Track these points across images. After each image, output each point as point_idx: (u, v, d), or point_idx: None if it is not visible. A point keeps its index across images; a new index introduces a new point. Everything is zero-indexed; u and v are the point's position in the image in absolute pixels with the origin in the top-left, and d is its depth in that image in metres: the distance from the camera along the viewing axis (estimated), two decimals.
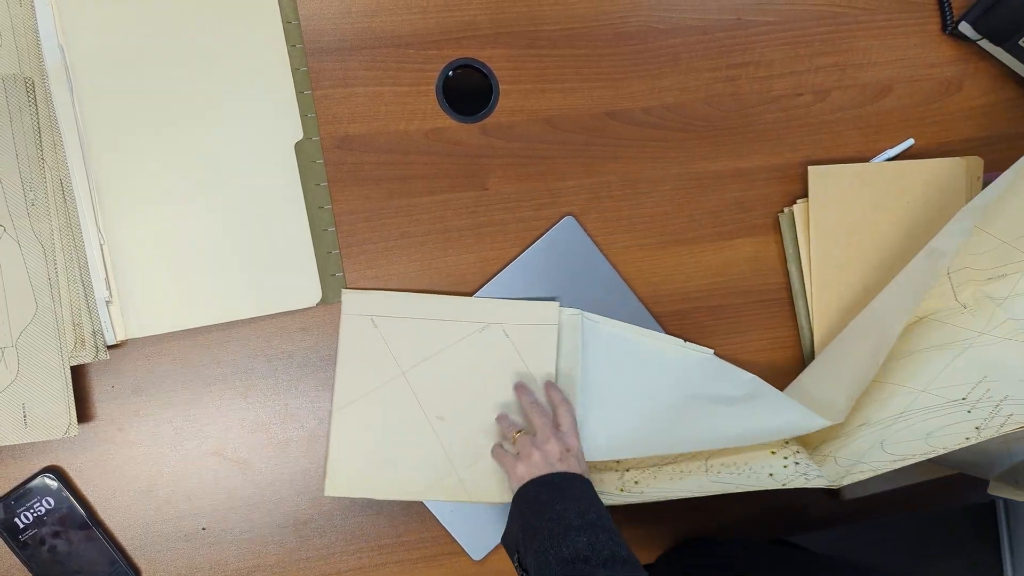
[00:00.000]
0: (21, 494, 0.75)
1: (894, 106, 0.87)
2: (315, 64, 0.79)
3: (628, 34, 0.84)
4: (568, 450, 0.72)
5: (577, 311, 0.81)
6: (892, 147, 0.87)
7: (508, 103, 0.82)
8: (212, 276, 0.77)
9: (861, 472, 0.74)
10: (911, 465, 0.73)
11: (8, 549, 0.75)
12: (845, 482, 0.74)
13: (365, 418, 0.78)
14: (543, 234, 0.82)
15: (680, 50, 0.84)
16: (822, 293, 0.84)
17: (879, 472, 0.73)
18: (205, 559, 0.79)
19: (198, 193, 0.77)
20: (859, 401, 0.75)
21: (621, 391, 0.81)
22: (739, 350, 0.86)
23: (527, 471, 0.71)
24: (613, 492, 0.78)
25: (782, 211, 0.86)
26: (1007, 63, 0.87)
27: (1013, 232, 0.74)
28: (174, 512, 0.79)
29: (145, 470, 0.78)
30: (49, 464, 0.77)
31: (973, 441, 0.71)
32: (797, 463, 0.76)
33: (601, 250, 0.83)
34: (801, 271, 0.85)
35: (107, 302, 0.74)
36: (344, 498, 0.80)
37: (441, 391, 0.79)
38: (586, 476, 0.71)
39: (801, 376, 0.84)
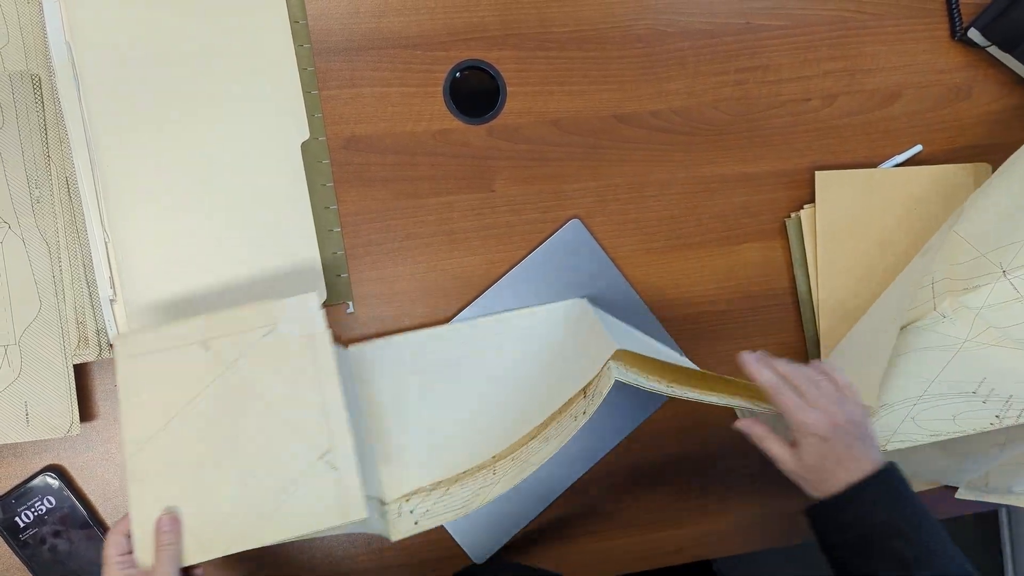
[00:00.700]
0: (22, 493, 0.75)
1: (902, 112, 0.87)
2: (322, 64, 0.79)
3: (637, 37, 0.83)
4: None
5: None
6: (900, 153, 0.86)
7: (515, 105, 0.82)
8: (216, 275, 0.76)
9: (901, 442, 0.73)
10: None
11: (8, 548, 0.74)
12: (890, 447, 0.73)
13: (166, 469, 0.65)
14: (549, 236, 0.82)
15: (688, 54, 0.84)
16: (829, 298, 0.84)
17: (918, 444, 0.73)
18: None
19: (203, 192, 0.76)
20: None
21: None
22: None
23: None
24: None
25: (789, 216, 0.85)
26: (1016, 70, 0.87)
27: (987, 244, 0.74)
28: None
29: None
30: (50, 463, 0.76)
31: (997, 426, 0.72)
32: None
33: (607, 253, 0.83)
34: (808, 276, 0.85)
35: (111, 300, 0.74)
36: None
37: (224, 422, 0.66)
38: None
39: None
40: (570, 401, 0.73)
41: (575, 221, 0.82)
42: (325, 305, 0.78)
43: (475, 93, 0.82)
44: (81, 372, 0.76)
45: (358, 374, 0.77)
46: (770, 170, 0.86)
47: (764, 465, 0.70)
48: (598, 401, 0.66)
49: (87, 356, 0.73)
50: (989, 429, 0.72)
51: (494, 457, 0.76)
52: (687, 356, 0.83)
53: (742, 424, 0.69)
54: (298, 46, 0.78)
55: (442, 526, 0.80)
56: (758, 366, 0.68)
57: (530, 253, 0.82)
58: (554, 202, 0.83)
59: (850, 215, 0.83)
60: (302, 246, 0.78)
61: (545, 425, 0.74)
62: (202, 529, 0.63)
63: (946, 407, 0.74)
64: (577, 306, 0.79)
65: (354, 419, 0.71)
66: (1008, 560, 1.55)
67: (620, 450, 0.83)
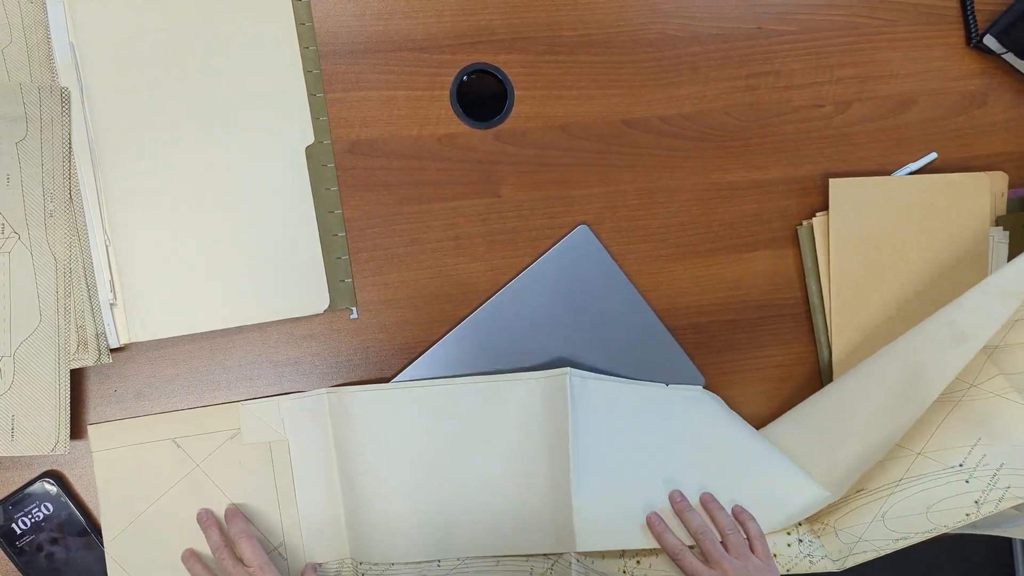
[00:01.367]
0: (19, 499, 0.73)
1: (916, 119, 0.86)
2: (328, 67, 0.78)
3: (647, 41, 0.82)
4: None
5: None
6: (914, 161, 0.85)
7: (523, 109, 0.81)
8: (218, 280, 0.75)
9: (864, 552, 0.73)
10: None
11: (4, 555, 0.73)
12: (849, 564, 0.73)
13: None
14: (556, 243, 0.81)
15: (699, 58, 0.83)
16: (841, 308, 0.82)
17: (883, 553, 0.72)
18: None
19: (206, 195, 0.75)
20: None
21: (614, 459, 0.78)
22: (755, 365, 0.84)
23: None
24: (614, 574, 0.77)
25: (801, 224, 0.84)
26: None
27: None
28: None
29: None
30: (49, 469, 0.75)
31: (973, 519, 0.70)
32: (801, 540, 0.75)
33: (616, 260, 0.81)
34: (820, 285, 0.83)
35: (111, 304, 0.73)
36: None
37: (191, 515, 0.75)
38: None
39: (779, 424, 0.82)
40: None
41: (583, 227, 0.81)
42: (328, 311, 0.77)
43: (482, 97, 0.80)
44: (80, 377, 0.75)
45: (345, 422, 0.76)
46: (782, 177, 0.84)
47: None
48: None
49: (85, 361, 0.72)
50: (965, 522, 0.71)
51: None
52: (695, 365, 0.82)
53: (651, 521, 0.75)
54: (303, 48, 0.77)
55: None
56: (661, 529, 0.75)
57: (536, 260, 0.80)
58: (562, 208, 0.81)
59: (864, 223, 0.82)
60: (305, 250, 0.77)
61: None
62: None
63: (922, 496, 0.72)
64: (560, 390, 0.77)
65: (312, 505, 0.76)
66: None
67: None
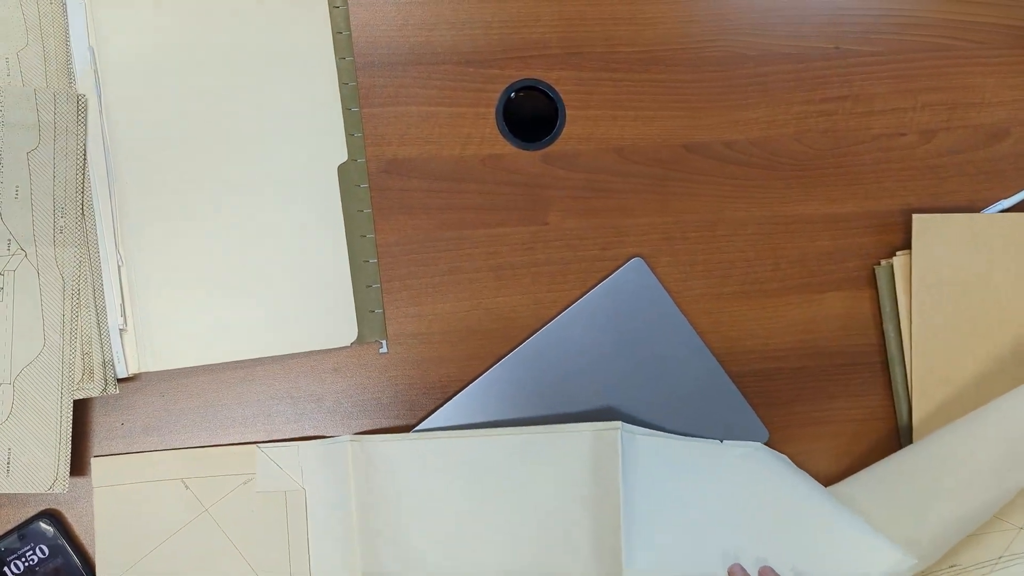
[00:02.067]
0: (12, 540, 0.67)
1: (1010, 151, 0.77)
2: (365, 79, 0.72)
3: (712, 60, 0.75)
4: None
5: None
6: (1008, 197, 0.77)
7: (575, 130, 0.74)
8: (238, 307, 0.69)
9: None
10: None
11: None
12: None
13: None
14: (608, 277, 0.74)
15: (770, 79, 0.76)
16: (924, 359, 0.74)
17: None
18: None
19: (228, 214, 0.69)
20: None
21: (668, 526, 0.70)
22: (824, 418, 0.75)
23: None
24: None
25: (879, 263, 0.76)
26: None
27: None
28: None
29: None
30: (47, 508, 0.69)
31: None
32: None
33: (672, 297, 0.74)
34: (899, 333, 0.75)
35: (121, 330, 0.67)
36: None
37: (196, 565, 0.68)
38: None
39: (854, 483, 0.73)
40: None
41: (637, 260, 0.74)
42: (355, 343, 0.70)
43: (531, 116, 0.74)
44: (85, 408, 0.69)
45: (368, 474, 0.69)
46: (858, 211, 0.76)
47: None
48: None
49: (91, 391, 0.66)
50: None
51: None
52: (757, 414, 0.74)
53: None
54: (339, 59, 0.72)
55: None
56: None
57: (585, 294, 0.73)
58: (614, 238, 0.74)
59: (950, 265, 0.74)
60: (333, 277, 0.70)
61: None
62: None
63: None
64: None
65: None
66: None
67: None
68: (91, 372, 0.66)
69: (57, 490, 0.64)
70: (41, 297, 0.65)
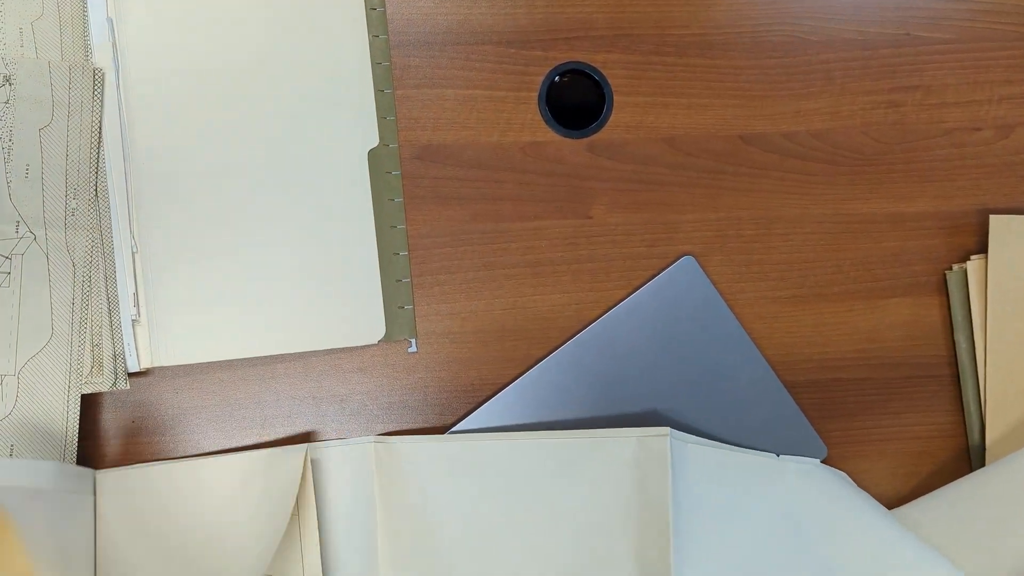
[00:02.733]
0: None
1: None
2: (399, 59, 0.68)
3: (772, 45, 0.70)
4: None
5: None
6: None
7: (622, 117, 0.69)
8: (259, 301, 0.65)
9: None
10: None
11: None
12: None
13: None
14: (655, 276, 0.68)
15: (834, 67, 0.70)
16: (999, 373, 0.68)
17: None
18: None
19: (250, 201, 0.65)
20: None
21: (718, 544, 0.64)
22: (887, 435, 0.70)
23: None
24: None
25: (950, 268, 0.70)
26: None
27: None
28: None
29: None
30: None
31: None
32: None
33: (725, 300, 0.69)
34: (972, 344, 0.69)
35: (133, 321, 0.62)
36: None
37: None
38: None
39: (919, 507, 0.67)
40: None
41: (688, 259, 0.68)
42: (383, 341, 0.66)
43: (575, 102, 0.69)
44: (93, 404, 0.65)
45: (392, 478, 0.64)
46: (929, 211, 0.71)
47: None
48: None
49: (99, 385, 0.61)
50: None
51: None
52: (814, 428, 0.68)
53: None
54: (372, 36, 0.67)
55: None
56: None
57: (630, 295, 0.68)
58: (663, 235, 0.69)
59: None
60: (361, 270, 0.66)
61: None
62: None
63: None
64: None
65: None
66: None
67: None
68: (100, 365, 0.62)
69: None
70: (50, 284, 0.61)
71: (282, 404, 0.66)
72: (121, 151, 0.63)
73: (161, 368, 0.64)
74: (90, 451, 0.65)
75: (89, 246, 0.62)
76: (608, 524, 0.64)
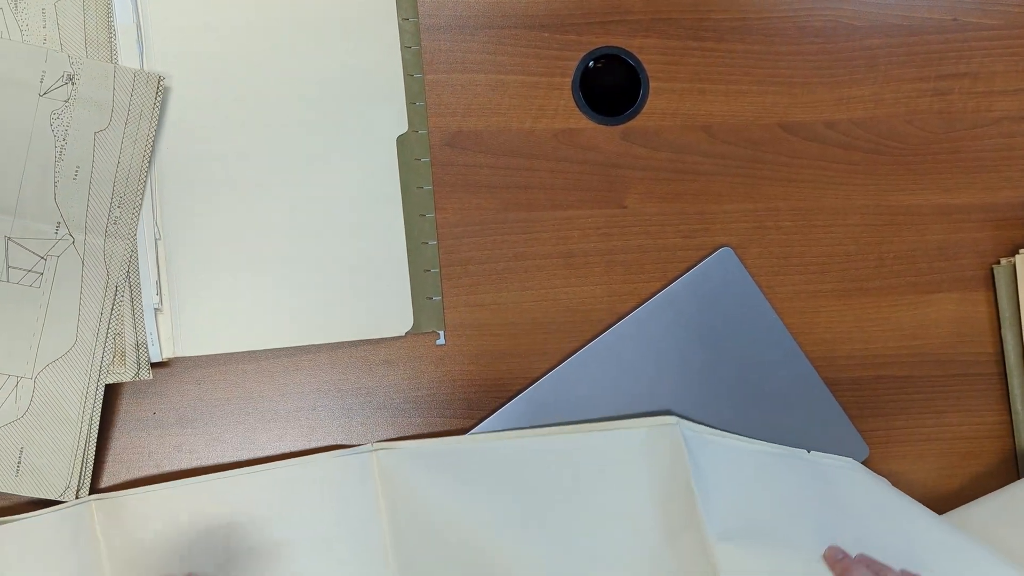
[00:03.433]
0: None
1: None
2: (429, 43, 0.66)
3: (814, 30, 0.68)
4: None
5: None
6: None
7: (659, 104, 0.67)
8: (284, 290, 0.63)
9: None
10: None
11: None
12: None
13: None
14: (692, 268, 0.66)
15: (879, 53, 0.68)
16: None
17: None
18: None
19: (276, 188, 0.63)
20: None
21: (745, 524, 0.62)
22: (932, 435, 0.67)
23: None
24: None
25: (998, 262, 0.68)
26: None
27: None
28: None
29: None
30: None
31: None
32: None
33: (764, 293, 0.66)
34: (1021, 341, 0.67)
35: (156, 310, 0.61)
36: None
37: None
38: None
39: (973, 510, 0.65)
40: None
41: (725, 250, 0.66)
42: (410, 333, 0.64)
43: (611, 88, 0.67)
44: (113, 394, 0.63)
45: (396, 487, 0.62)
46: (976, 203, 0.68)
47: None
48: None
49: (122, 376, 0.60)
50: None
51: None
52: (855, 427, 0.66)
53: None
54: (402, 19, 0.65)
55: None
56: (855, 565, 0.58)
57: (666, 287, 0.66)
58: (699, 226, 0.67)
59: None
60: (389, 260, 0.64)
61: None
62: None
63: None
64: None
65: None
66: None
67: None
68: (122, 355, 0.60)
69: (68, 499, 0.58)
70: (81, 290, 0.59)
71: (306, 397, 0.65)
72: None
73: (183, 359, 0.63)
74: (109, 438, 0.63)
75: (126, 257, 0.60)
76: (632, 513, 0.62)
